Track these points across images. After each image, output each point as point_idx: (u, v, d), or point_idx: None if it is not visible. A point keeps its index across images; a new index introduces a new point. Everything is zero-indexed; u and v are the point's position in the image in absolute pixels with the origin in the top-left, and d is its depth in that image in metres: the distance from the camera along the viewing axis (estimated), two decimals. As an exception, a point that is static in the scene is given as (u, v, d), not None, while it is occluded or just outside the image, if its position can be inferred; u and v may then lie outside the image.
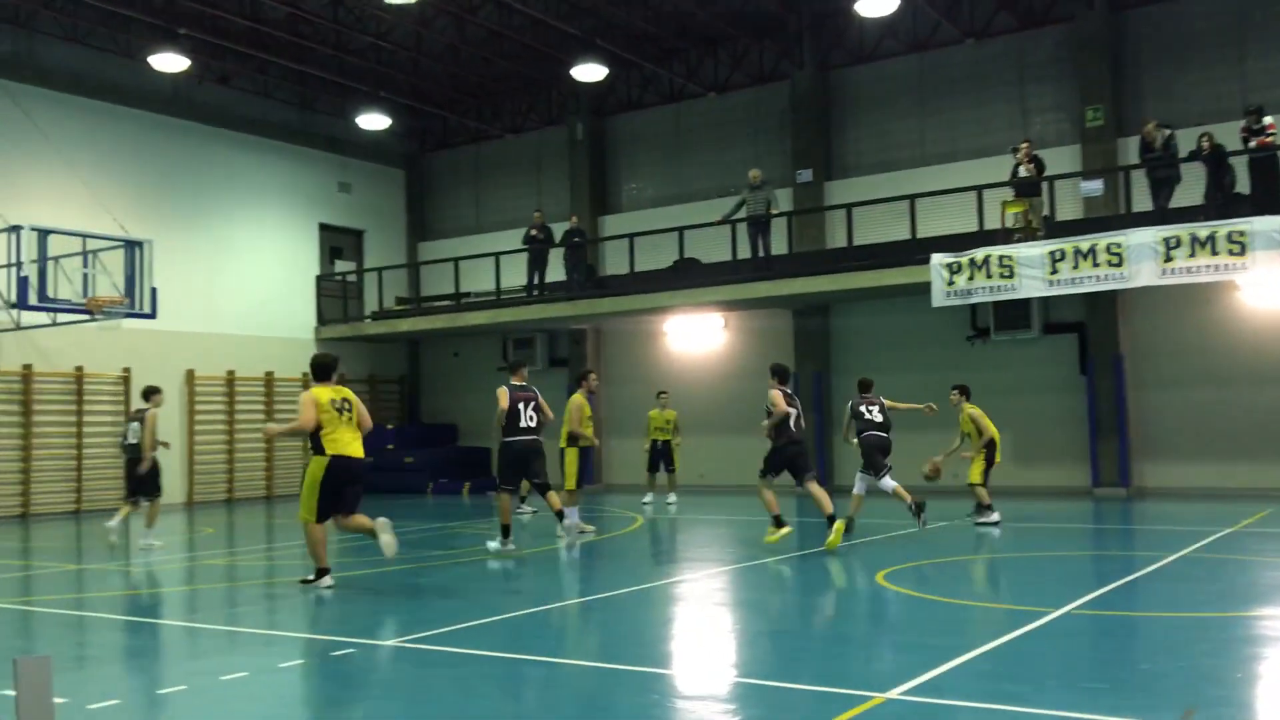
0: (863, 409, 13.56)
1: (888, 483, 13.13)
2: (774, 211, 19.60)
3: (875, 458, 13.26)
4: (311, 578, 9.82)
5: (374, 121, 23.39)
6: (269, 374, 23.15)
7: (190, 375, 21.75)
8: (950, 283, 16.86)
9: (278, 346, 23.50)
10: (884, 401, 13.69)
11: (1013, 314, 19.26)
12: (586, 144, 24.39)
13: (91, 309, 16.57)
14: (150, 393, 13.86)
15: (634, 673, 6.40)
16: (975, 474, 14.16)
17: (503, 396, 11.91)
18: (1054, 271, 16.06)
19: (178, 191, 21.99)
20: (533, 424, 11.99)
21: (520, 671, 6.51)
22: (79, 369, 19.94)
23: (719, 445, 22.02)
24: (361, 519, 9.78)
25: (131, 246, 16.85)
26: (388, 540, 9.65)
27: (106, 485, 20.17)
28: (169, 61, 19.29)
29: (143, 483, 13.47)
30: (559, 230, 22.40)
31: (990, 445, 14.16)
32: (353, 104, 23.76)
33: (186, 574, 11.47)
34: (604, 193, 24.60)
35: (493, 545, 12.15)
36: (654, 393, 19.44)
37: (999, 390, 19.94)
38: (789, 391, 12.50)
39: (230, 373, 22.45)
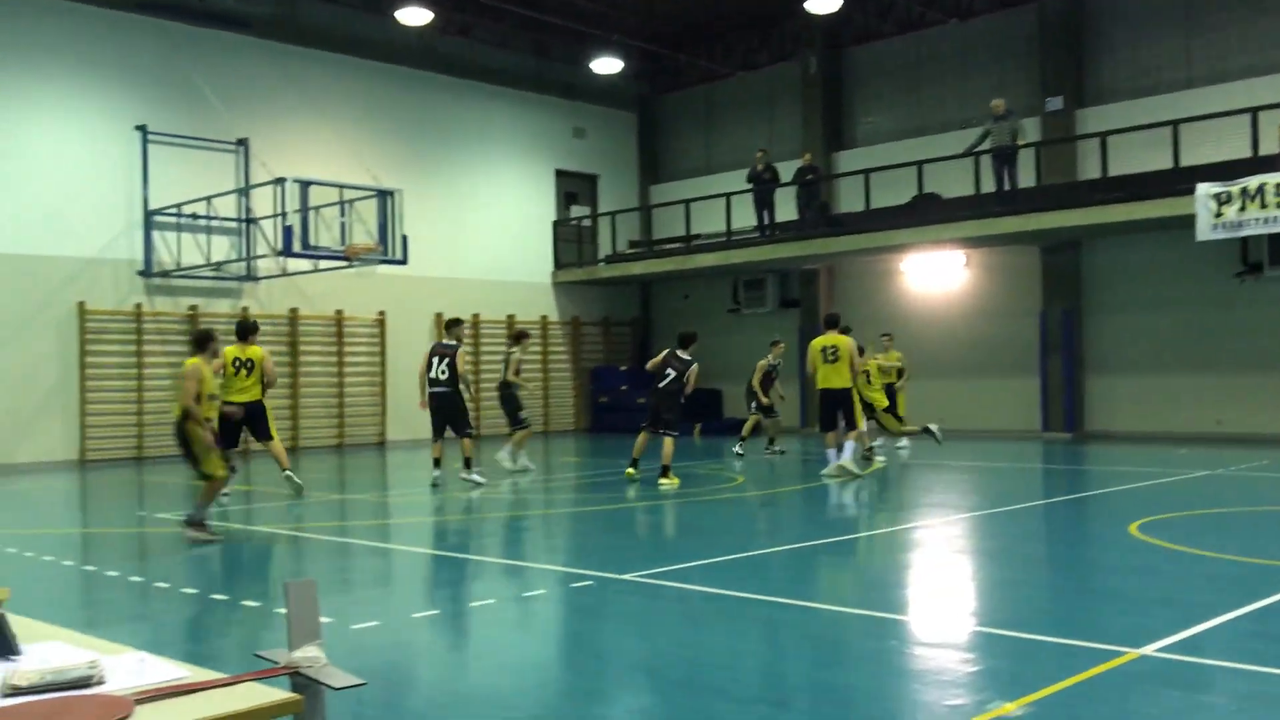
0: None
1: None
2: (1020, 142, 18.62)
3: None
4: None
5: (607, 65, 23.63)
6: (510, 316, 24.03)
7: (438, 319, 22.80)
8: (1218, 214, 15.57)
9: (518, 290, 24.34)
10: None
11: (1290, 248, 17.64)
12: (820, 78, 23.84)
13: (349, 256, 17.58)
14: (519, 336, 15.68)
15: (870, 617, 6.32)
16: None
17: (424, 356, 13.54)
18: (1340, 200, 14.56)
19: (423, 141, 22.98)
20: (442, 377, 13.07)
21: (754, 611, 6.54)
22: (339, 312, 21.30)
23: (959, 388, 21.36)
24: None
25: (384, 196, 17.73)
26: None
27: (364, 421, 21.56)
28: (414, 15, 20.09)
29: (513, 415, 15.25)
30: (790, 167, 22.06)
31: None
32: (587, 49, 24.08)
33: (438, 505, 12.10)
34: (838, 128, 24.03)
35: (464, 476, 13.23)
36: (891, 332, 18.99)
37: (1272, 331, 18.39)
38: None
39: (475, 316, 23.43)
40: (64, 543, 10.18)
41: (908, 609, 6.75)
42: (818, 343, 13.70)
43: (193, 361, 9.45)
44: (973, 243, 20.38)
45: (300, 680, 2.01)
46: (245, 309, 19.98)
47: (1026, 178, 19.02)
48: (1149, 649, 5.23)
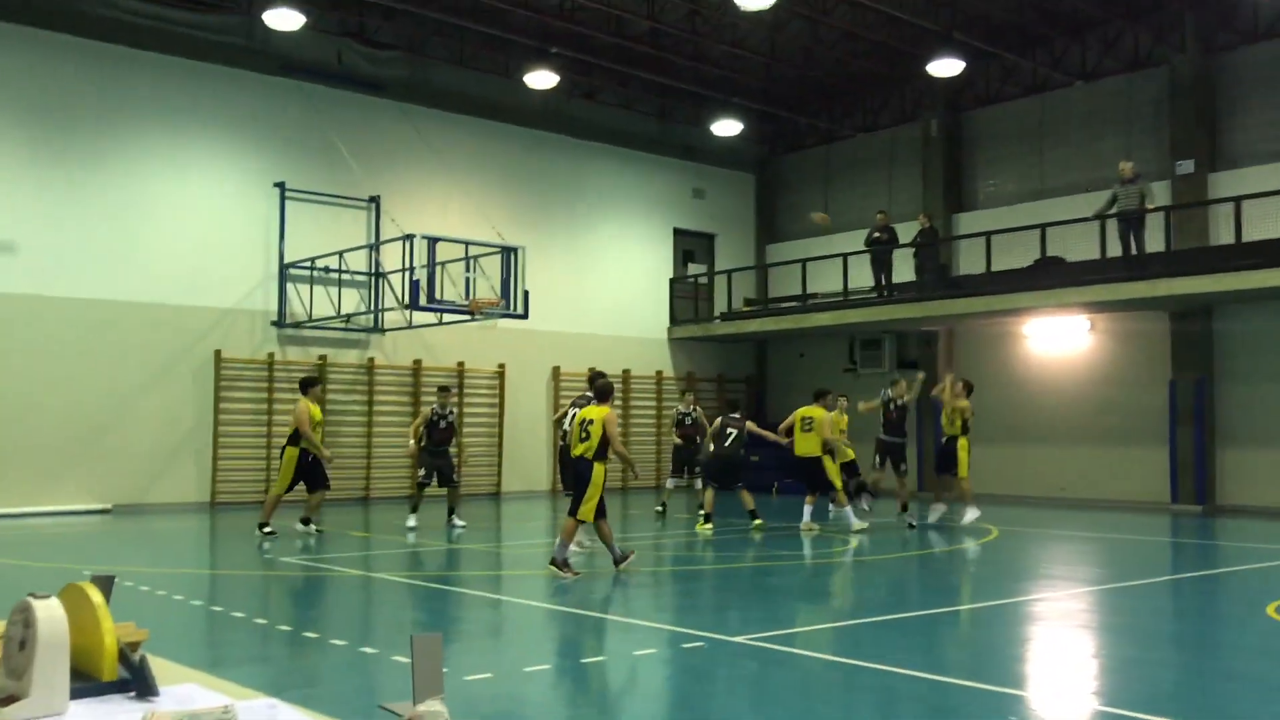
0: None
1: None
2: (1149, 206, 18.15)
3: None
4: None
5: (727, 128, 23.86)
6: (626, 371, 24.21)
7: (556, 371, 23.15)
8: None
9: (634, 346, 24.55)
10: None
11: None
12: (941, 140, 23.68)
13: (473, 310, 17.99)
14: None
15: (988, 691, 6.15)
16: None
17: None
18: None
19: (547, 200, 23.49)
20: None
21: (866, 680, 6.43)
22: (460, 364, 21.76)
23: (1083, 456, 20.73)
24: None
25: (507, 252, 18.15)
26: None
27: (481, 471, 21.89)
28: (542, 79, 20.62)
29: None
30: (909, 229, 21.89)
31: None
32: (707, 112, 24.38)
33: (544, 557, 12.20)
34: (959, 190, 23.78)
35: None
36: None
37: None
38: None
39: (591, 369, 23.64)
40: (193, 582, 10.56)
41: (1027, 684, 6.56)
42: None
43: (606, 410, 10.04)
44: (1098, 308, 19.87)
45: (423, 733, 2.07)
46: (371, 359, 20.58)
47: (1155, 243, 18.53)
48: (1286, 740, 4.99)
